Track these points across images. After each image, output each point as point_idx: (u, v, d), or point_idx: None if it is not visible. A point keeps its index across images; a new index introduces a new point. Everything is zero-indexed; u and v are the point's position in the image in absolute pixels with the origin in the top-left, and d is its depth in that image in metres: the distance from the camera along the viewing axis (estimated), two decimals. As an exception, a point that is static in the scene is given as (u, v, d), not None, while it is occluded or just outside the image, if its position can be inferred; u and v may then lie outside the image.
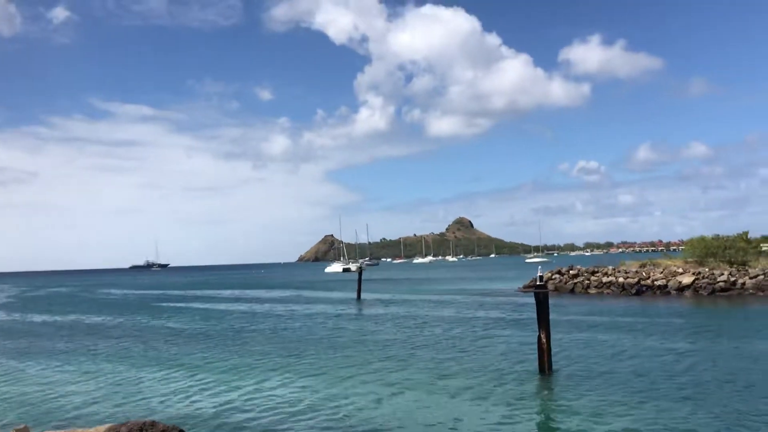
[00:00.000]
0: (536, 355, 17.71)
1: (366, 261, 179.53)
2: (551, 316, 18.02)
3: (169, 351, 23.84)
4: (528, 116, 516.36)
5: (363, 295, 50.24)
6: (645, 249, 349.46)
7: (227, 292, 69.88)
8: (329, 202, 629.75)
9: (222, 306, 48.17)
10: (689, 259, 46.51)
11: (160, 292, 76.77)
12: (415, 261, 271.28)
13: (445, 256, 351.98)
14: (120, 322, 36.71)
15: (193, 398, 15.53)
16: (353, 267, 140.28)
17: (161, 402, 15.25)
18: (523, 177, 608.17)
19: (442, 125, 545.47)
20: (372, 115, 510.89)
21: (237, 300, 55.44)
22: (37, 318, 42.15)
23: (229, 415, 13.79)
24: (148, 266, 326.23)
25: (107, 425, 9.89)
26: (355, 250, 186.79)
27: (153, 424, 9.61)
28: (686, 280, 42.08)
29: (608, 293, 44.75)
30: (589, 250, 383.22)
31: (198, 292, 71.78)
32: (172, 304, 51.89)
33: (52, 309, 50.84)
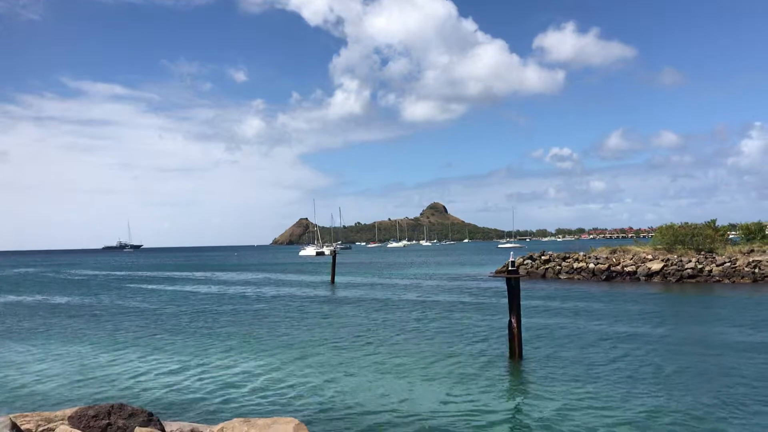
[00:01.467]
0: (507, 341, 17.72)
1: (338, 245, 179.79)
2: (522, 302, 18.03)
3: (138, 333, 23.53)
4: (503, 102, 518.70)
5: (337, 279, 50.06)
6: (616, 236, 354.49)
7: (199, 274, 69.36)
8: (303, 185, 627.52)
9: (192, 288, 47.89)
10: (658, 246, 47.05)
11: (132, 273, 75.97)
12: (390, 245, 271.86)
13: (419, 240, 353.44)
14: (88, 303, 36.24)
15: (161, 380, 15.28)
16: (327, 251, 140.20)
17: (128, 384, 14.98)
18: (497, 163, 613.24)
19: (417, 110, 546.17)
20: (347, 99, 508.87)
21: (208, 282, 55.07)
22: (2, 299, 41.29)
23: (195, 397, 13.60)
24: (121, 247, 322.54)
25: (75, 408, 9.63)
26: (330, 234, 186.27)
27: (121, 407, 9.37)
28: (655, 266, 42.61)
29: (579, 279, 45.09)
30: (561, 236, 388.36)
31: (169, 274, 71.15)
32: (142, 286, 51.39)
33: (19, 290, 49.90)
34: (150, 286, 50.68)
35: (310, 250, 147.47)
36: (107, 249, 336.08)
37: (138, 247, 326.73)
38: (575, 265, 46.96)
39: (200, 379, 15.40)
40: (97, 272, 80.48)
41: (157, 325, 25.67)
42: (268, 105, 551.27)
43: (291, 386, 14.51)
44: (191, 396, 13.86)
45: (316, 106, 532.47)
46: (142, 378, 15.73)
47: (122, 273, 76.18)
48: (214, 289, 46.60)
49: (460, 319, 25.60)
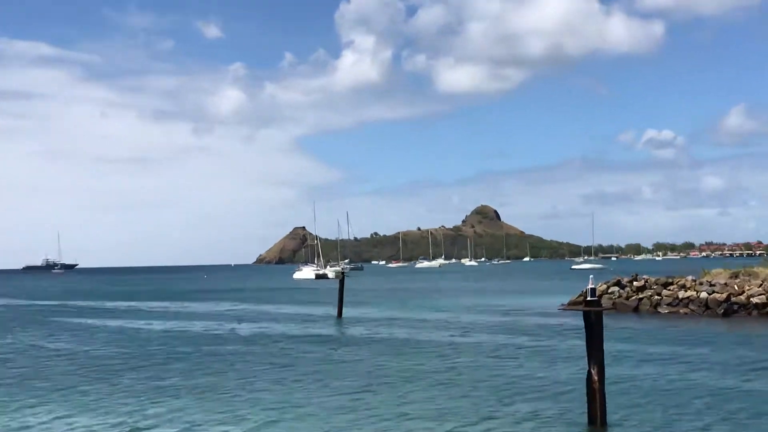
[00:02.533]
0: (584, 400, 17.42)
1: (347, 264, 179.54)
2: (607, 345, 17.65)
3: (60, 384, 23.50)
4: (577, 67, 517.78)
5: (345, 312, 50.20)
6: (738, 253, 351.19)
7: (154, 305, 69.65)
8: (300, 181, 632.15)
9: (143, 323, 48.18)
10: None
11: (62, 303, 76.41)
12: (419, 265, 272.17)
13: (460, 258, 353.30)
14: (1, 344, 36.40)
15: None
16: (331, 273, 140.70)
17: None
18: (570, 151, 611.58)
19: (456, 78, 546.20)
20: (359, 62, 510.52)
21: (166, 315, 55.38)
22: None
23: None
24: (49, 267, 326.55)
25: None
26: (336, 249, 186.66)
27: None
28: (796, 296, 42.03)
29: (686, 313, 44.93)
30: (660, 254, 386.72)
31: (113, 304, 71.43)
32: (75, 320, 51.69)
33: None
34: (85, 321, 50.90)
35: (307, 272, 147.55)
36: (29, 270, 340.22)
37: (72, 266, 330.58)
38: (681, 294, 46.69)
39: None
40: (12, 302, 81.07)
41: (87, 375, 25.55)
42: (251, 70, 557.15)
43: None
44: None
45: (316, 72, 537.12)
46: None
47: (48, 303, 76.65)
48: (172, 324, 46.85)
49: (516, 369, 25.41)
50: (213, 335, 39.36)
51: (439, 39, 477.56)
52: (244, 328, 42.99)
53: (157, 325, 46.33)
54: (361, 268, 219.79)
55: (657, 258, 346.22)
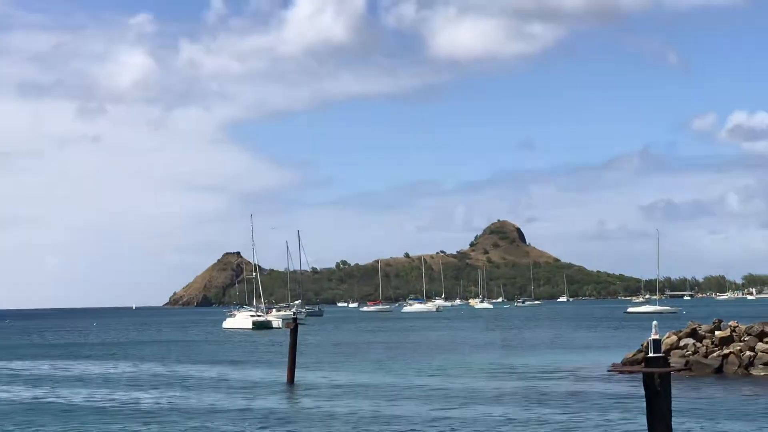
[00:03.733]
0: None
1: (299, 307, 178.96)
2: (676, 421, 17.59)
3: None
4: (632, 22, 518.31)
5: (299, 375, 50.19)
6: None
7: (17, 365, 69.29)
8: (231, 186, 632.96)
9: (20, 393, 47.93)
10: None
11: None
12: (408, 308, 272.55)
13: (468, 299, 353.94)
14: None
15: None
16: (276, 320, 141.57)
17: None
18: (623, 144, 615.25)
19: (460, 36, 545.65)
20: (319, 14, 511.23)
21: (35, 383, 54.97)
22: None
23: None
24: None
25: None
26: (286, 286, 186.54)
27: None
28: None
29: (793, 377, 45.16)
30: (753, 291, 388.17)
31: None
32: None
33: None
34: None
35: (243, 319, 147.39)
36: None
37: None
38: (786, 348, 46.81)
39: None
40: None
41: None
42: (161, 25, 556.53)
43: None
44: None
45: (257, 28, 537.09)
46: None
47: None
48: (43, 392, 46.68)
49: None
50: (99, 411, 39.08)
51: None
52: (149, 400, 42.78)
53: (20, 393, 46.17)
54: (321, 313, 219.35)
55: (750, 297, 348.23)
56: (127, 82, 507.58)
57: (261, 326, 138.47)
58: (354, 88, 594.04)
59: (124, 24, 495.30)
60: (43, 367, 67.79)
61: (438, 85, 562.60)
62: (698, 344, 49.74)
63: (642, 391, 17.23)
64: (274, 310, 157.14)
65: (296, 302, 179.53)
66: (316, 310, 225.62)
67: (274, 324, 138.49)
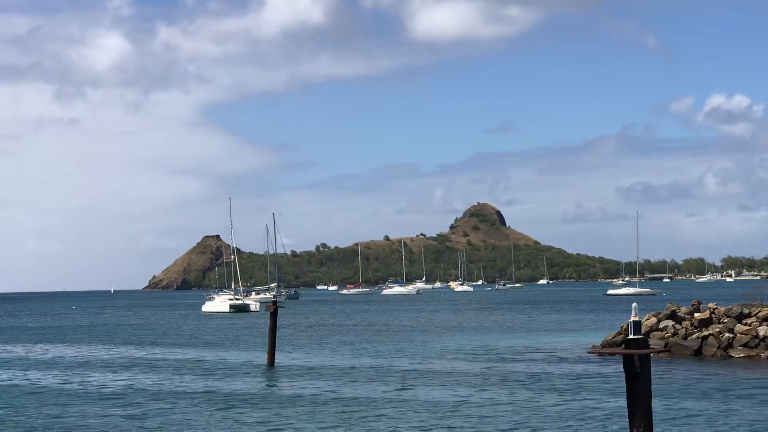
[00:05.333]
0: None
1: (272, 289, 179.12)
2: (656, 403, 17.62)
3: None
4: (609, 5, 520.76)
5: (278, 358, 50.35)
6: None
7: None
8: (210, 168, 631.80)
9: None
10: None
11: None
12: (388, 291, 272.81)
13: (448, 281, 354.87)
14: None
15: None
16: (254, 304, 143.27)
17: None
18: (602, 127, 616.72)
19: (438, 19, 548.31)
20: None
21: (17, 365, 55.01)
22: None
23: None
24: None
25: None
26: (265, 269, 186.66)
27: None
28: None
29: (771, 358, 45.48)
30: (732, 273, 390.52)
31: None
32: None
33: None
34: None
35: (219, 303, 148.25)
36: None
37: None
38: (763, 330, 47.20)
39: None
40: None
41: None
42: (140, 8, 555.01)
43: None
44: None
45: (234, 10, 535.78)
46: None
47: None
48: (21, 377, 46.79)
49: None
50: (83, 394, 39.09)
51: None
52: (130, 382, 43.02)
53: (24, 378, 46.12)
54: (296, 296, 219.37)
55: (728, 279, 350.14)
56: (104, 65, 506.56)
57: (239, 309, 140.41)
58: (332, 71, 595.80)
59: (101, 7, 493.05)
60: (17, 350, 67.81)
61: (416, 68, 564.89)
62: (677, 326, 50.06)
63: (622, 372, 17.30)
64: (252, 293, 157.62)
65: (272, 285, 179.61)
66: (292, 293, 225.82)
67: (252, 307, 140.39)
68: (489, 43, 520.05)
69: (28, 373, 49.36)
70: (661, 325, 50.29)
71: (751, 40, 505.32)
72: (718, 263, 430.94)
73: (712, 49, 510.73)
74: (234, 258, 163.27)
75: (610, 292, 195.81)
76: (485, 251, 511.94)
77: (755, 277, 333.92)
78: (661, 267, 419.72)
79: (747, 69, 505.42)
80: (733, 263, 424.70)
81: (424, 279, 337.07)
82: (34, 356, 61.93)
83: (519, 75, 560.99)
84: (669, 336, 49.20)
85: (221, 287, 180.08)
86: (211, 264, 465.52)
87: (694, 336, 48.82)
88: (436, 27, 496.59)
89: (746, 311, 49.43)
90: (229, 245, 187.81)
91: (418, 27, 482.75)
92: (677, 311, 51.63)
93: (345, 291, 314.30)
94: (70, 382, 43.89)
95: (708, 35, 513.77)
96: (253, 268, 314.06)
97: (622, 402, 17.49)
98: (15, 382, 44.78)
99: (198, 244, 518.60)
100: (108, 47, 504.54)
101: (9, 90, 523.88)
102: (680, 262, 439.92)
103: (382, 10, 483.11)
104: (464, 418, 29.89)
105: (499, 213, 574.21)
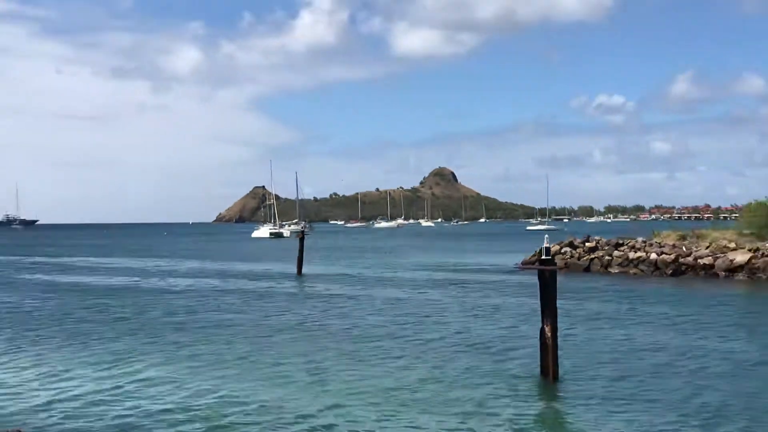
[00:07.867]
0: (538, 355, 17.72)
1: (299, 223, 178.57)
2: (560, 303, 18.03)
3: (25, 338, 23.51)
4: (529, 32, 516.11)
5: (305, 269, 50.44)
6: (686, 216, 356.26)
7: (114, 261, 69.16)
8: (258, 141, 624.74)
9: (103, 280, 47.82)
10: (745, 231, 47.09)
11: (21, 258, 75.55)
12: (378, 225, 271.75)
13: (418, 219, 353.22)
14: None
15: (48, 397, 15.31)
16: (286, 232, 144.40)
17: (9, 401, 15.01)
18: (523, 114, 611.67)
19: (412, 41, 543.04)
20: (317, 23, 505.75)
21: (125, 272, 54.83)
22: None
23: (88, 416, 13.73)
24: (8, 222, 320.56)
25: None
26: (295, 209, 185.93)
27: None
28: (740, 258, 42.67)
29: (636, 273, 45.55)
30: (611, 216, 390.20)
31: (71, 260, 70.79)
32: (34, 276, 51.24)
33: None
34: (46, 277, 50.76)
35: (263, 231, 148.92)
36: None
37: (32, 222, 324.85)
38: (631, 254, 47.31)
39: (97, 395, 15.44)
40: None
41: (57, 331, 25.61)
42: (210, 29, 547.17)
43: (249, 412, 14.33)
44: (80, 416, 13.74)
45: (275, 32, 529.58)
46: (27, 395, 15.68)
47: (9, 258, 75.79)
48: (132, 281, 46.71)
49: (475, 326, 25.68)
50: (175, 292, 39.28)
51: (394, 2, 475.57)
52: (207, 286, 42.94)
53: (117, 281, 46.17)
54: (312, 228, 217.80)
55: (608, 220, 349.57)
56: (186, 68, 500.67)
57: (277, 236, 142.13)
58: (341, 75, 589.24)
59: (183, 28, 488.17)
60: (138, 263, 67.70)
61: (397, 74, 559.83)
62: (574, 251, 50.40)
63: (537, 281, 17.59)
64: (286, 225, 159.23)
65: (295, 220, 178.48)
66: (309, 226, 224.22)
67: (285, 234, 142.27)
68: (448, 58, 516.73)
69: (141, 280, 49.27)
70: (563, 251, 50.63)
71: (624, 55, 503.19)
72: (602, 209, 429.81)
73: (600, 61, 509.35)
74: (273, 202, 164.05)
75: (528, 228, 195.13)
76: (443, 200, 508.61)
77: (627, 220, 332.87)
78: (563, 212, 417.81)
79: (623, 76, 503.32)
80: (611, 210, 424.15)
81: (402, 217, 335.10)
82: (136, 267, 61.67)
83: (467, 80, 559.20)
84: (568, 258, 49.65)
85: (265, 221, 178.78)
86: (258, 205, 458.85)
87: (585, 258, 49.23)
88: (410, 47, 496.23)
89: (620, 242, 49.86)
90: (270, 193, 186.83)
91: (398, 46, 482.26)
92: (574, 241, 52.08)
93: (349, 225, 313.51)
94: (166, 287, 44.04)
95: (596, 52, 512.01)
96: (287, 209, 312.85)
97: (535, 301, 17.69)
98: (122, 284, 44.87)
99: (250, 191, 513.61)
100: (187, 56, 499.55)
101: (119, 85, 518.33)
102: (576, 209, 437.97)
103: (375, 34, 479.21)
104: (418, 305, 30.18)
105: (453, 174, 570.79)
